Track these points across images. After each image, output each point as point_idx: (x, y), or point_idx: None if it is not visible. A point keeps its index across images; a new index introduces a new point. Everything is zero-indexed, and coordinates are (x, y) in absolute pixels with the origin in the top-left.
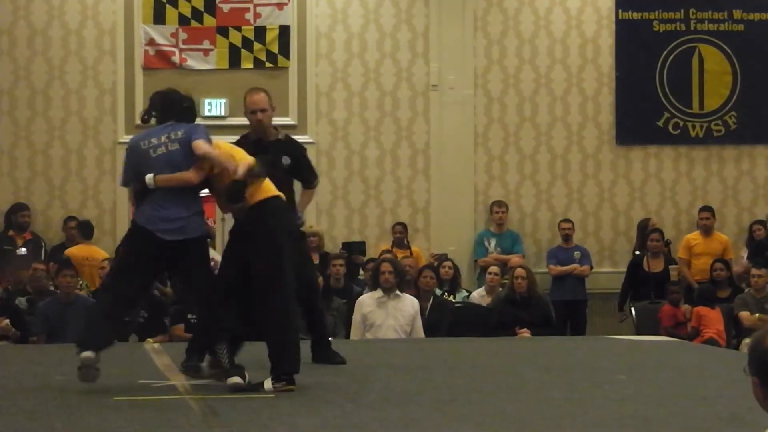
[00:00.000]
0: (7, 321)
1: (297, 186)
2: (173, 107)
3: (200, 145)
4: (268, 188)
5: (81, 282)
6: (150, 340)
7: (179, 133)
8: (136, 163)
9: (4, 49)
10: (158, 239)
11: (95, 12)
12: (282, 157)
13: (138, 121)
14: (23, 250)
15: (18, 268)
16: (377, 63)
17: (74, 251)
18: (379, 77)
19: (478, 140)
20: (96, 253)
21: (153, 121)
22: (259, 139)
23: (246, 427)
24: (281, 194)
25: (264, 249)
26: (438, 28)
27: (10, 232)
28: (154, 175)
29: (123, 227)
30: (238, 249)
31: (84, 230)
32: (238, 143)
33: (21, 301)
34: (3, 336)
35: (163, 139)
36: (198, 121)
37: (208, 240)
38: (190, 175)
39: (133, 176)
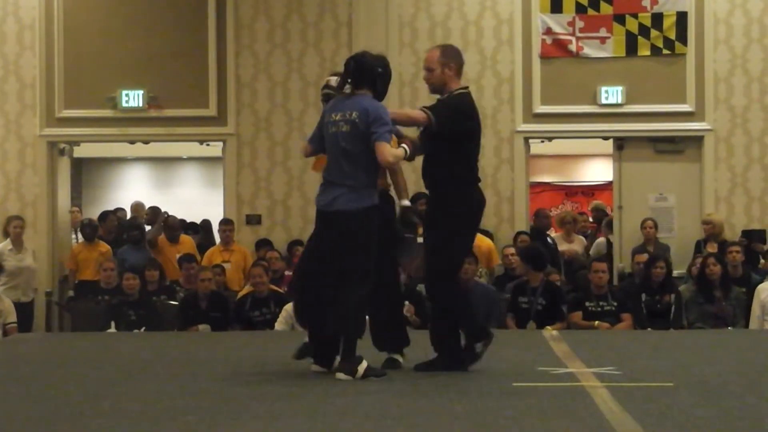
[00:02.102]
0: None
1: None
2: (366, 74)
3: (385, 155)
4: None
5: (480, 269)
6: (548, 327)
7: (354, 114)
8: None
9: (406, 41)
10: None
11: (493, 2)
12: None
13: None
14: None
15: (419, 256)
16: None
17: None
18: None
19: None
20: (480, 240)
21: (348, 88)
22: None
23: (643, 416)
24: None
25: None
26: None
27: None
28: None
29: (520, 215)
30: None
31: None
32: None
33: (422, 288)
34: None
35: (338, 116)
36: (593, 109)
37: None
38: None
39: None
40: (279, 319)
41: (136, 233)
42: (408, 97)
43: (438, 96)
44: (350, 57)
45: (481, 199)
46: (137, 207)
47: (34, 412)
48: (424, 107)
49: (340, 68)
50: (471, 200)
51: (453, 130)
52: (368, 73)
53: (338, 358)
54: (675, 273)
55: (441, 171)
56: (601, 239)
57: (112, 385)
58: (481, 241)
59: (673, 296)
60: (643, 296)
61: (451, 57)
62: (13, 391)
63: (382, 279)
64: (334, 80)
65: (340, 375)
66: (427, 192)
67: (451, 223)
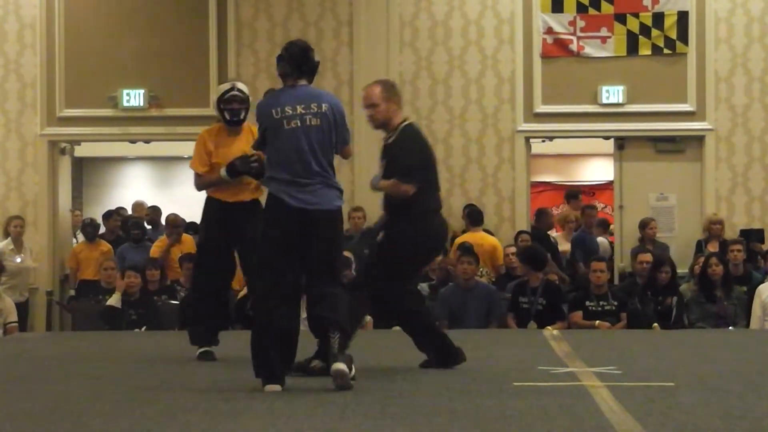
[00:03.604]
0: None
1: None
2: (310, 64)
3: (349, 155)
4: None
5: (481, 269)
6: (549, 327)
7: (324, 106)
8: (265, 132)
9: (407, 40)
10: None
11: (494, 2)
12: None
13: None
14: None
15: None
16: None
17: (464, 238)
18: None
19: None
20: (482, 238)
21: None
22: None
23: (644, 416)
24: None
25: None
26: None
27: None
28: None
29: (521, 215)
30: None
31: (473, 216)
32: None
33: (423, 287)
34: None
35: (299, 109)
36: (594, 108)
37: None
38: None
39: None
40: None
41: (138, 232)
42: (409, 96)
43: (382, 131)
44: (290, 44)
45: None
46: (138, 206)
47: (33, 411)
48: (397, 179)
49: (342, 67)
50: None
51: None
52: (313, 62)
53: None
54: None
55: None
56: (602, 239)
57: (112, 385)
58: (484, 239)
59: (675, 299)
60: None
61: (393, 91)
62: (13, 390)
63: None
64: (241, 85)
65: (341, 366)
66: None
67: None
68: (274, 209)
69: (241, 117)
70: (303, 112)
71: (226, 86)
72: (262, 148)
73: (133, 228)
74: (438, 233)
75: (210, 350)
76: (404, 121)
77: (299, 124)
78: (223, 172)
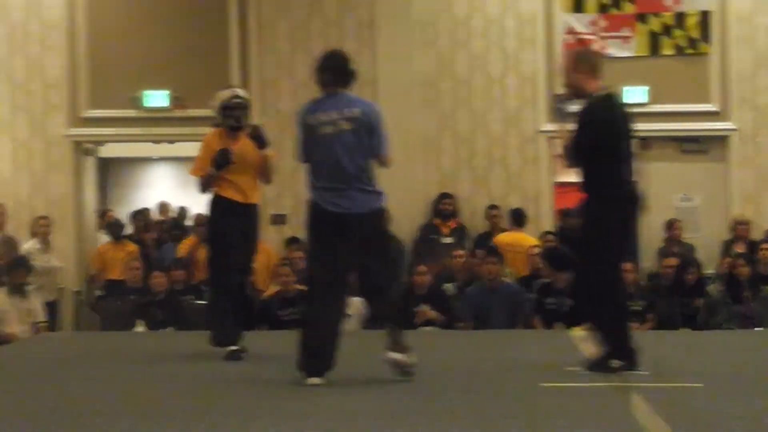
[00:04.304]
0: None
1: None
2: (349, 73)
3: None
4: None
5: (507, 269)
6: (576, 328)
7: (356, 111)
8: (304, 143)
9: (428, 41)
10: None
11: (516, 2)
12: None
13: None
14: (449, 238)
15: (444, 256)
16: None
17: (502, 238)
18: None
19: None
20: (523, 239)
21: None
22: None
23: (672, 417)
24: None
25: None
26: None
27: (436, 221)
28: None
29: (545, 215)
30: None
31: (516, 217)
32: None
33: (448, 288)
34: (430, 322)
35: (333, 115)
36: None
37: None
38: None
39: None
40: None
41: (178, 233)
42: (431, 97)
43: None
44: (333, 55)
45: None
46: (163, 207)
47: (58, 408)
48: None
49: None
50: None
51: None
52: (352, 71)
53: None
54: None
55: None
56: None
57: (138, 384)
58: (525, 240)
59: (702, 300)
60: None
61: (580, 60)
62: (43, 388)
63: None
64: (240, 91)
65: (397, 355)
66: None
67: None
68: (317, 216)
69: (243, 122)
70: (336, 117)
71: (227, 93)
72: (302, 159)
73: (174, 229)
74: (630, 197)
75: (237, 349)
76: (598, 90)
77: (332, 130)
78: (210, 169)
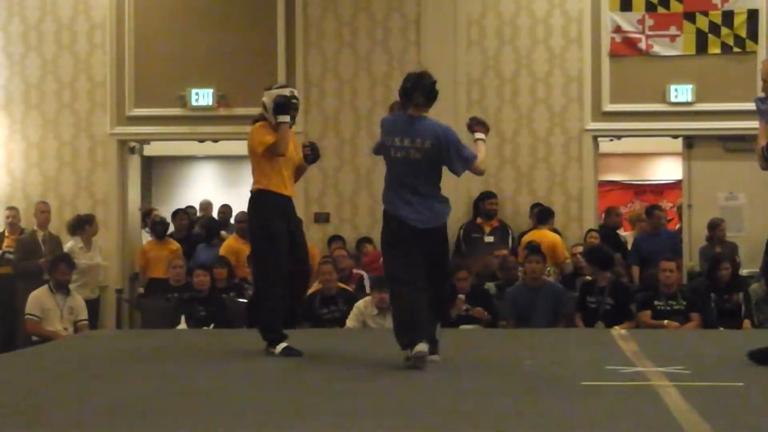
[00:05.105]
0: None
1: None
2: (435, 97)
3: (480, 171)
4: None
5: (549, 268)
6: (617, 326)
7: (426, 143)
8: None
9: (474, 39)
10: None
11: (562, 0)
12: None
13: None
14: (491, 237)
15: (486, 254)
16: None
17: (527, 237)
18: None
19: None
20: (545, 236)
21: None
22: None
23: (713, 416)
24: None
25: None
26: None
27: (479, 220)
28: None
29: (589, 214)
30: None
31: (540, 214)
32: None
33: (491, 287)
34: (475, 319)
35: (406, 142)
36: (663, 107)
37: None
38: None
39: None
40: (350, 316)
41: (225, 232)
42: (476, 95)
43: None
44: (424, 76)
45: None
46: (206, 205)
47: (104, 406)
48: None
49: (410, 67)
50: None
51: None
52: (436, 95)
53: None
54: (746, 272)
55: None
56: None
57: (179, 383)
58: (544, 236)
59: (741, 294)
60: (712, 296)
61: None
62: (91, 385)
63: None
64: (288, 91)
65: (435, 357)
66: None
67: None
68: (392, 226)
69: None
70: (408, 146)
71: (286, 91)
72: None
73: (221, 227)
74: None
75: (292, 346)
76: None
77: (402, 155)
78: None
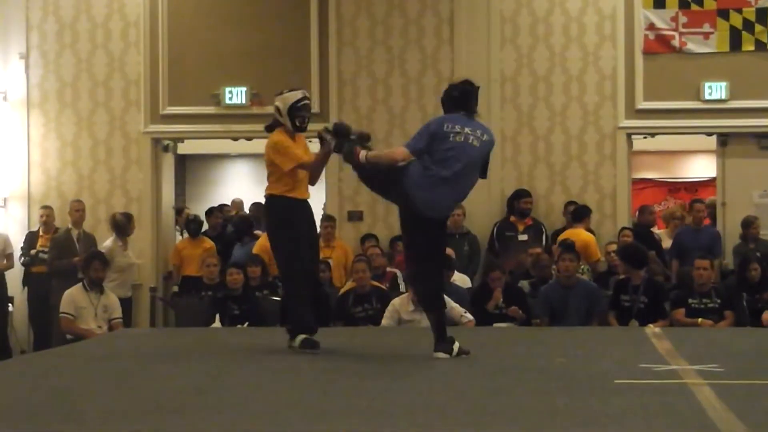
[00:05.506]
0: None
1: None
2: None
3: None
4: None
5: (582, 266)
6: (651, 325)
7: (485, 136)
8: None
9: (508, 37)
10: None
11: None
12: None
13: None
14: (524, 235)
15: (519, 253)
16: None
17: (562, 236)
18: None
19: None
20: (579, 235)
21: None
22: None
23: (746, 415)
24: None
25: None
26: None
27: (512, 218)
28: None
29: (622, 212)
30: None
31: (575, 213)
32: None
33: (524, 285)
34: (509, 318)
35: (468, 129)
36: (696, 105)
37: None
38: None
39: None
40: (386, 315)
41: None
42: (509, 93)
43: None
44: (471, 84)
45: None
46: (237, 204)
47: (139, 402)
48: None
49: (443, 65)
50: None
51: None
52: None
53: None
54: None
55: None
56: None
57: (214, 379)
58: (577, 235)
59: None
60: (744, 295)
61: None
62: (125, 382)
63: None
64: (300, 93)
65: (441, 354)
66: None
67: None
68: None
69: (307, 124)
70: (469, 132)
71: (297, 95)
72: (419, 151)
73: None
74: None
75: (313, 338)
76: None
77: (463, 140)
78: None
